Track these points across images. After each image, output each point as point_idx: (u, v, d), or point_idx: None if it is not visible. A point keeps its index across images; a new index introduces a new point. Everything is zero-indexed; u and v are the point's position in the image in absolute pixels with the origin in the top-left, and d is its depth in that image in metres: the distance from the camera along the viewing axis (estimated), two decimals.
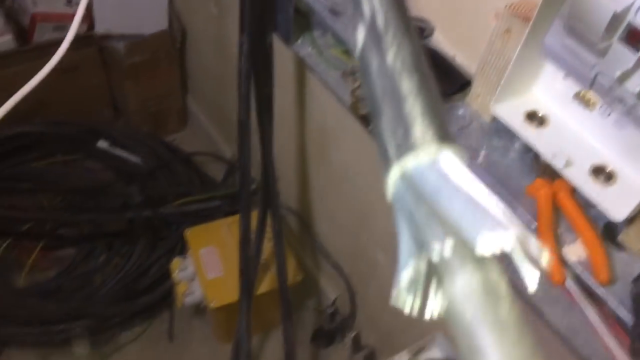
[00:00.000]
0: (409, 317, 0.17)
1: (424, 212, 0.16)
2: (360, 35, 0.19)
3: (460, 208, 0.15)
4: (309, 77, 1.13)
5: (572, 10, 0.53)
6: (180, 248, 1.50)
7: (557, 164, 0.63)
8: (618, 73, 0.52)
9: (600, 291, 0.62)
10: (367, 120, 0.84)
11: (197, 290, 1.37)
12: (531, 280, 0.15)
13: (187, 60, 1.73)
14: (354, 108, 0.85)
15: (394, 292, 0.17)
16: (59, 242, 1.60)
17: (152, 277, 1.48)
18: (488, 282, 0.15)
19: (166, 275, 1.44)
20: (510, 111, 0.68)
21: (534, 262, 0.15)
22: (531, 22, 0.59)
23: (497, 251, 0.15)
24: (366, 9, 0.18)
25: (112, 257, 1.56)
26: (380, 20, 0.18)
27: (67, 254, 1.57)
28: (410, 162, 0.17)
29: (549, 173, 0.68)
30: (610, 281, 0.62)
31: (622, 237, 0.64)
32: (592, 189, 0.62)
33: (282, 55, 1.08)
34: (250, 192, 1.15)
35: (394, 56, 0.18)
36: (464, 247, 0.15)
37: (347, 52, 0.94)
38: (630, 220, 0.63)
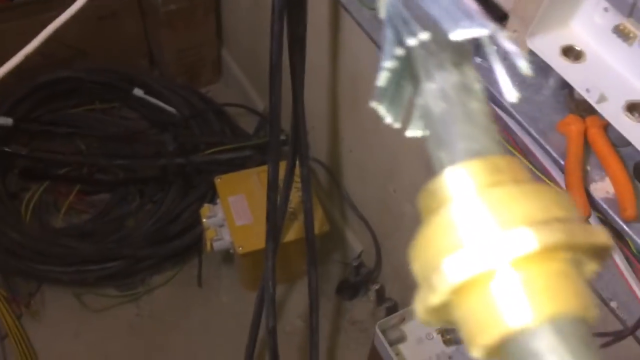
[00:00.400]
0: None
1: (407, 13, 0.17)
2: None
3: (442, 6, 0.16)
4: (343, 17, 1.12)
5: None
6: (210, 196, 1.53)
7: (591, 98, 0.62)
8: None
9: (625, 228, 0.61)
10: None
11: (226, 237, 1.39)
12: (506, 81, 0.16)
13: (223, 9, 1.73)
14: None
15: (375, 94, 0.17)
16: (95, 186, 1.65)
17: (183, 222, 1.52)
18: (463, 81, 0.16)
19: (196, 221, 1.47)
20: (546, 45, 0.66)
21: (510, 57, 0.15)
22: None
23: (468, 47, 0.15)
24: None
25: (145, 203, 1.60)
26: None
27: (102, 198, 1.62)
28: None
29: (583, 110, 0.67)
30: (637, 218, 0.61)
31: None
32: (625, 125, 0.61)
33: None
34: (280, 137, 1.16)
35: None
36: (443, 48, 0.16)
37: None
38: None
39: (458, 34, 0.15)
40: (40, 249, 1.45)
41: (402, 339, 1.09)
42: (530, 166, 0.73)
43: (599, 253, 0.15)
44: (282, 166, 1.23)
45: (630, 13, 0.54)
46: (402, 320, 1.10)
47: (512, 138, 0.74)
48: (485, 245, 0.13)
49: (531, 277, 0.13)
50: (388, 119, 0.18)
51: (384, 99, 0.17)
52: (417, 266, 0.15)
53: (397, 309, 1.41)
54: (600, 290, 0.69)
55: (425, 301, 0.15)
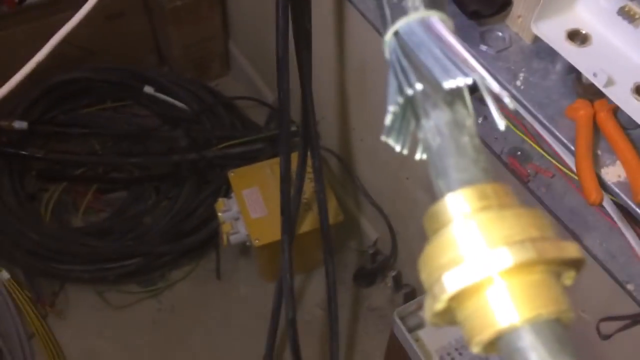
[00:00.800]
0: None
1: (406, 62, 0.20)
2: None
3: (435, 57, 0.19)
4: (347, 8, 1.12)
5: None
6: (225, 190, 1.54)
7: (599, 82, 0.62)
8: None
9: (638, 211, 0.61)
10: None
11: (242, 230, 1.41)
12: (496, 114, 0.18)
13: (228, 2, 1.73)
14: None
15: (384, 131, 0.21)
16: (111, 185, 1.67)
17: (199, 217, 1.53)
18: (455, 119, 0.19)
19: (212, 216, 1.49)
20: (551, 30, 0.66)
21: (497, 99, 0.18)
22: None
23: (459, 88, 0.18)
24: None
25: (161, 200, 1.62)
26: None
27: (118, 197, 1.64)
28: (402, 22, 0.20)
29: (591, 94, 0.66)
30: None
31: None
32: (634, 107, 0.61)
33: None
34: (290, 129, 1.16)
35: None
36: (437, 91, 0.19)
37: None
38: None
39: (448, 83, 0.18)
40: (61, 248, 1.48)
41: (421, 325, 1.10)
42: (543, 152, 0.73)
43: (574, 263, 0.18)
44: (294, 158, 1.24)
45: None
46: (420, 306, 1.11)
47: (523, 125, 0.74)
48: (475, 261, 0.17)
49: (514, 286, 0.17)
50: (397, 148, 0.21)
51: (391, 134, 0.21)
52: (423, 277, 0.19)
53: (415, 295, 1.42)
54: (616, 273, 0.69)
55: (431, 308, 0.18)
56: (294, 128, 1.44)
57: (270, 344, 1.31)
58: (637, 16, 0.61)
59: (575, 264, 0.18)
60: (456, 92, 0.19)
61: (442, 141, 0.19)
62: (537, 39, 0.70)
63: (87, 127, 1.68)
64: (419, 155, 0.20)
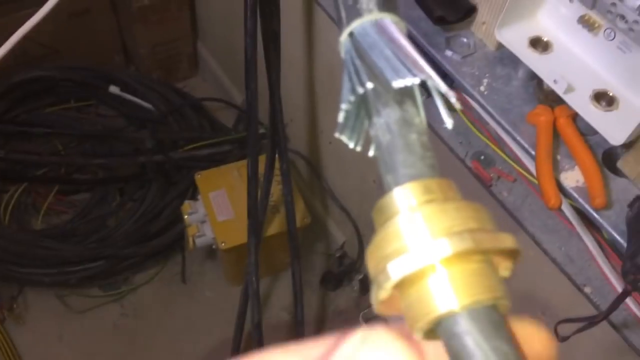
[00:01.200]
0: None
1: (359, 62, 0.20)
2: None
3: (386, 58, 0.20)
4: (317, 12, 1.12)
5: None
6: (191, 192, 1.52)
7: (559, 89, 0.63)
8: None
9: (595, 215, 0.63)
10: None
11: (208, 232, 1.39)
12: (443, 113, 0.19)
13: (197, 3, 1.72)
14: None
15: (337, 128, 0.21)
16: (74, 186, 1.63)
17: (165, 220, 1.51)
18: (404, 117, 0.20)
19: (178, 218, 1.47)
20: (514, 36, 0.67)
21: (445, 98, 0.19)
22: None
23: (409, 88, 0.19)
24: None
25: (125, 201, 1.59)
26: None
27: (81, 198, 1.61)
28: (356, 24, 0.21)
29: (551, 100, 0.68)
30: (606, 206, 0.62)
31: (620, 164, 0.64)
32: (592, 114, 0.62)
33: None
34: (258, 131, 1.16)
35: None
36: (387, 90, 0.20)
37: None
38: (628, 146, 0.62)
39: (397, 83, 0.19)
40: (21, 251, 1.44)
41: None
42: (505, 157, 0.74)
43: (511, 254, 0.19)
44: (262, 160, 1.23)
45: (593, 5, 0.54)
46: None
47: (486, 129, 0.75)
48: (418, 250, 0.18)
49: (454, 274, 0.18)
50: (351, 145, 0.21)
51: (345, 131, 0.21)
52: (370, 267, 0.20)
53: None
54: (574, 276, 0.71)
55: (376, 296, 0.19)
56: (262, 130, 1.43)
57: (236, 348, 1.30)
58: (596, 25, 0.62)
59: (512, 255, 0.19)
60: (406, 92, 0.20)
61: (391, 138, 0.20)
62: (500, 46, 0.71)
63: (49, 126, 1.64)
64: (372, 152, 0.21)
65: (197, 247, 1.39)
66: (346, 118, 0.21)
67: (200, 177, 1.42)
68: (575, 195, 0.64)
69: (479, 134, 0.75)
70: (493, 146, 0.74)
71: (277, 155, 1.22)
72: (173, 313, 1.50)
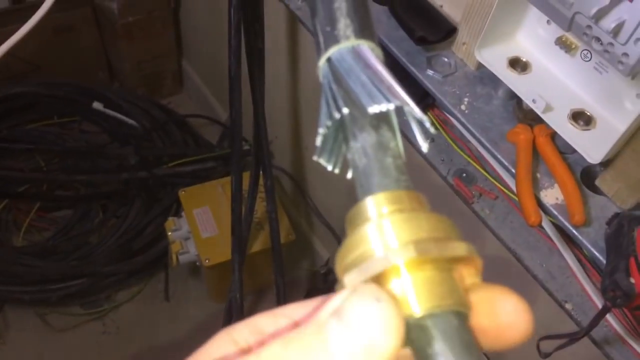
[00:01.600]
0: None
1: (336, 87, 0.21)
2: None
3: (362, 84, 0.20)
4: (301, 31, 1.13)
5: None
6: (175, 209, 1.52)
7: (537, 108, 0.64)
8: (594, 11, 0.52)
9: (575, 232, 0.64)
10: None
11: (192, 249, 1.39)
12: (419, 137, 0.20)
13: (182, 21, 1.72)
14: None
15: (316, 151, 0.22)
16: (56, 203, 1.62)
17: (148, 237, 1.50)
18: (380, 141, 0.21)
19: (162, 235, 1.46)
20: (493, 57, 0.68)
21: (420, 123, 0.20)
22: None
23: (385, 113, 0.20)
24: None
25: (108, 218, 1.58)
26: None
27: (63, 215, 1.59)
28: (334, 50, 0.22)
29: (530, 119, 0.69)
30: (585, 223, 0.63)
31: (598, 182, 0.65)
32: (571, 133, 0.63)
33: (274, 8, 1.08)
34: (242, 148, 1.16)
35: None
36: (363, 115, 0.21)
37: None
38: (606, 164, 0.64)
39: (373, 109, 0.19)
40: (0, 268, 1.42)
41: None
42: (486, 174, 0.75)
43: (473, 263, 0.20)
44: (246, 177, 1.23)
45: (569, 27, 0.56)
46: None
47: (467, 147, 0.76)
48: (383, 255, 0.19)
49: (417, 280, 0.18)
50: (329, 168, 0.22)
51: (323, 154, 0.22)
52: (338, 270, 0.20)
53: None
54: (555, 293, 0.71)
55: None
56: (246, 147, 1.43)
57: None
58: (573, 46, 0.64)
59: (474, 264, 0.20)
60: (382, 116, 0.21)
61: (367, 162, 0.21)
62: (480, 66, 0.72)
63: (32, 142, 1.62)
64: (349, 175, 0.22)
65: (180, 264, 1.38)
66: (324, 142, 0.21)
67: (184, 194, 1.42)
68: (555, 212, 0.65)
69: (461, 152, 0.76)
70: (474, 164, 0.75)
71: (261, 172, 1.22)
72: (156, 331, 1.48)
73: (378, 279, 0.19)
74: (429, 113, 0.76)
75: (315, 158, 0.21)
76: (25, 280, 1.42)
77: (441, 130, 0.74)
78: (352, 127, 0.21)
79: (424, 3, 0.77)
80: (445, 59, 0.76)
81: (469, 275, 0.20)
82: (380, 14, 0.81)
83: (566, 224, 0.64)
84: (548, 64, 0.67)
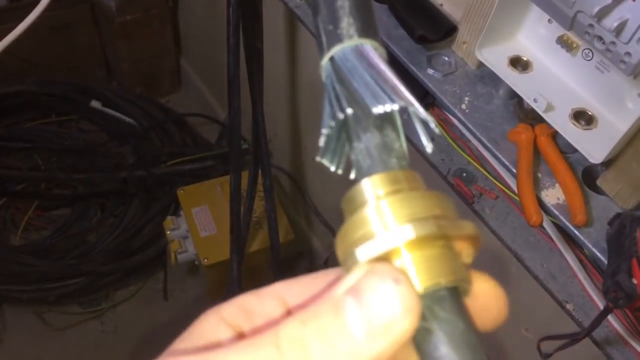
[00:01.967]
0: None
1: (340, 87, 0.21)
2: None
3: (366, 84, 0.20)
4: (300, 30, 1.12)
5: None
6: (174, 207, 1.51)
7: (539, 107, 0.64)
8: (596, 9, 0.52)
9: (576, 233, 0.63)
10: None
11: (190, 248, 1.38)
12: (423, 138, 0.20)
13: (181, 19, 1.72)
14: None
15: (318, 152, 0.21)
16: (54, 201, 1.61)
17: (146, 236, 1.50)
18: (384, 142, 0.20)
19: (160, 234, 1.46)
20: (494, 56, 0.68)
21: (425, 123, 0.20)
22: None
23: (389, 113, 0.20)
24: None
25: (106, 217, 1.57)
26: None
27: (61, 214, 1.59)
28: (337, 49, 0.21)
29: (532, 118, 0.69)
30: (587, 223, 0.63)
31: (600, 181, 0.65)
32: (572, 132, 0.63)
33: (272, 7, 1.07)
34: (240, 147, 1.15)
35: None
36: (367, 116, 0.20)
37: None
38: (608, 164, 0.63)
39: (377, 109, 0.19)
40: None
41: None
42: (487, 174, 0.75)
43: (472, 241, 0.20)
44: (245, 176, 1.22)
45: (571, 26, 0.55)
46: None
47: (468, 147, 0.76)
48: (384, 235, 0.19)
49: (417, 258, 0.19)
50: (332, 168, 0.22)
51: (326, 155, 0.21)
52: (339, 253, 0.20)
53: None
54: (556, 293, 0.71)
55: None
56: (245, 146, 1.43)
57: None
58: (574, 45, 0.63)
59: (473, 242, 0.20)
60: (386, 117, 0.21)
61: (371, 163, 0.20)
62: (481, 65, 0.72)
63: (29, 141, 1.62)
64: (353, 175, 0.21)
65: (179, 263, 1.37)
66: (327, 142, 0.21)
67: (182, 193, 1.41)
68: (556, 212, 0.65)
69: (461, 152, 0.75)
70: (475, 163, 0.75)
71: (260, 171, 1.22)
72: (154, 330, 1.47)
73: (380, 258, 0.19)
74: (429, 112, 0.75)
75: (318, 159, 0.21)
76: (23, 279, 1.42)
77: (441, 129, 0.74)
78: (355, 128, 0.21)
79: (424, 1, 0.77)
80: (446, 58, 0.75)
81: (466, 255, 0.20)
82: (380, 13, 0.81)
83: (567, 224, 0.64)
84: (549, 63, 0.67)
